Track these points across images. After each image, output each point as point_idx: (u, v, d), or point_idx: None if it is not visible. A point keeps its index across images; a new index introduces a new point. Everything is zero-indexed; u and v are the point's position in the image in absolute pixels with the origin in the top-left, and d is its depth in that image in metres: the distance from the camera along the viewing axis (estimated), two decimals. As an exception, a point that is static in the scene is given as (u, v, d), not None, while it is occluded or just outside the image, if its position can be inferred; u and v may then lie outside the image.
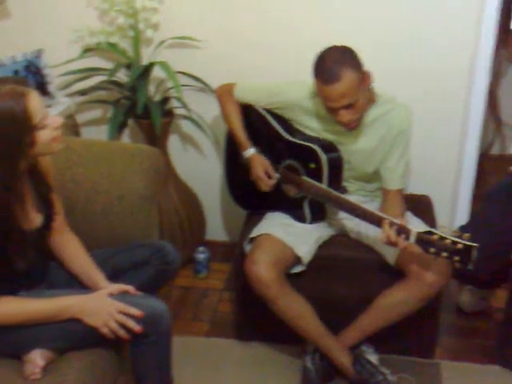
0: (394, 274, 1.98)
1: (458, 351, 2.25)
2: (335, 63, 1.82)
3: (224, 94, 2.25)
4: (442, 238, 1.67)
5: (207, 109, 2.61)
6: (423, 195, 2.44)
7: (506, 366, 2.16)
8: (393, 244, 1.79)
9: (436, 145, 2.55)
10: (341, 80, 1.81)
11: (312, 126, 2.09)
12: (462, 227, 2.04)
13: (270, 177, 2.14)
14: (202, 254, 2.68)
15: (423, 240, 1.71)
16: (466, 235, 1.65)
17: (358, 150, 2.06)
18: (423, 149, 2.46)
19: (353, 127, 1.96)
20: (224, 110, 2.25)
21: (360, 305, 2.02)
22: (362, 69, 1.87)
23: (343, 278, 2.11)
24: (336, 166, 2.04)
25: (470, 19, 2.35)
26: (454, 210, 2.64)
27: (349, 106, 1.87)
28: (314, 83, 1.90)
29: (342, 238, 2.18)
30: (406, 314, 1.97)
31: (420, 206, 2.31)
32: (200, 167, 2.80)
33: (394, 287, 1.97)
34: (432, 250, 1.69)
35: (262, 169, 2.13)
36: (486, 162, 3.37)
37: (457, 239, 1.65)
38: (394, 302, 1.97)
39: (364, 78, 1.88)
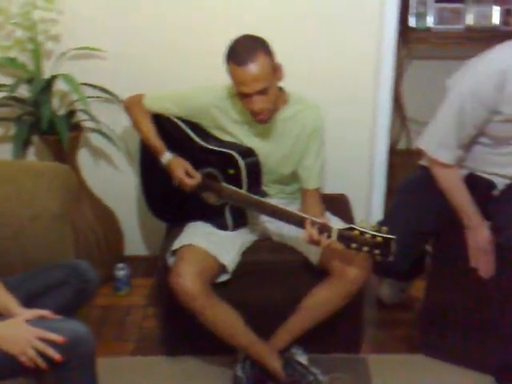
0: (319, 273, 2.02)
1: (383, 344, 2.32)
2: (249, 46, 1.83)
3: (133, 104, 2.20)
4: (362, 233, 1.72)
5: (117, 120, 2.55)
6: (340, 194, 2.51)
7: (428, 353, 2.25)
8: (316, 243, 1.82)
9: (348, 144, 2.63)
10: (255, 61, 1.81)
11: (229, 129, 2.08)
12: (380, 222, 2.11)
13: (192, 177, 2.10)
14: (121, 271, 2.61)
15: (345, 236, 1.76)
16: (384, 229, 1.71)
17: (274, 153, 2.07)
18: (336, 149, 2.52)
19: (265, 119, 1.95)
20: (134, 120, 2.20)
21: (288, 307, 2.04)
22: (275, 59, 1.89)
23: (269, 282, 2.11)
24: (254, 171, 2.05)
25: (372, 19, 2.44)
26: (370, 206, 2.73)
27: (262, 92, 1.85)
28: (228, 69, 1.87)
29: (265, 242, 2.19)
30: (332, 311, 2.01)
31: (337, 204, 2.37)
32: (114, 181, 2.73)
33: (318, 287, 2.01)
34: (353, 245, 1.73)
35: (182, 170, 2.09)
36: (394, 157, 3.50)
37: (376, 233, 1.70)
38: (320, 301, 2.00)
39: (276, 68, 1.89)
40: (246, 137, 2.08)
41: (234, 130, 2.08)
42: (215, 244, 2.03)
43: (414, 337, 2.31)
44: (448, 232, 2.10)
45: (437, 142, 1.96)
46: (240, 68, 1.82)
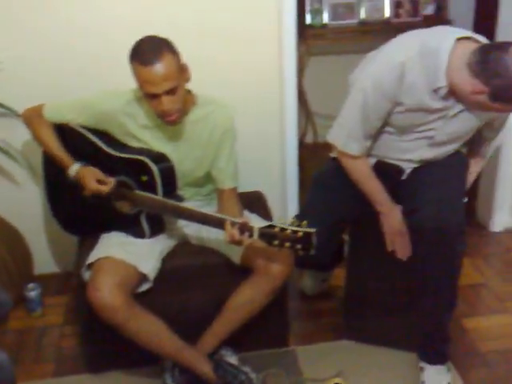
0: (242, 272, 2.02)
1: (310, 334, 2.36)
2: (154, 46, 1.80)
3: (32, 116, 2.10)
4: (283, 230, 1.73)
5: (15, 135, 2.43)
6: (255, 191, 2.52)
7: (353, 338, 2.32)
8: (238, 243, 1.82)
9: (259, 141, 2.66)
10: (161, 61, 1.78)
11: (138, 135, 2.03)
12: (297, 216, 2.14)
13: (105, 183, 2.02)
14: (33, 291, 2.48)
15: (266, 234, 1.77)
16: (304, 223, 1.73)
17: (186, 156, 2.05)
18: (248, 147, 2.53)
19: (175, 120, 1.91)
20: (36, 133, 2.10)
21: (214, 310, 2.03)
22: (181, 59, 1.87)
23: (192, 286, 2.09)
24: (168, 176, 2.01)
25: (272, 17, 2.47)
26: (285, 201, 2.77)
27: (170, 92, 1.82)
28: (133, 70, 1.82)
29: (184, 246, 2.16)
30: (258, 309, 2.02)
31: (254, 202, 2.38)
32: (16, 199, 2.60)
33: (241, 286, 2.01)
34: (275, 242, 1.75)
35: (93, 179, 2.01)
36: (303, 151, 3.58)
37: (296, 228, 1.72)
38: (245, 300, 2.00)
39: (183, 68, 1.87)
40: (155, 142, 2.04)
41: (142, 135, 2.03)
42: (133, 253, 1.98)
43: (339, 324, 2.37)
44: (363, 220, 2.17)
45: (345, 136, 2.01)
46: (146, 68, 1.78)
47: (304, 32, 3.57)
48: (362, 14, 3.65)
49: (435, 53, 1.80)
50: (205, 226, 1.94)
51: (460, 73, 1.76)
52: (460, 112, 1.90)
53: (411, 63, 1.81)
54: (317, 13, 3.62)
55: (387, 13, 3.66)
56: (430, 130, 1.96)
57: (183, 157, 2.05)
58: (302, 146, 3.80)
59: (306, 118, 3.86)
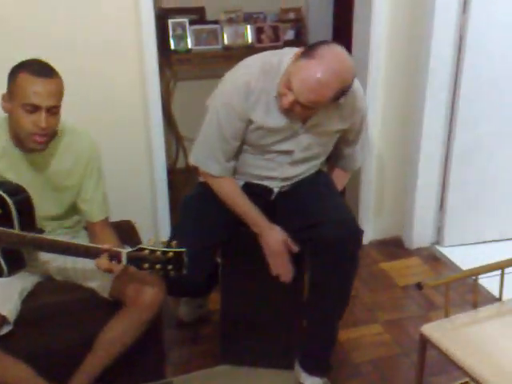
0: (113, 306, 1.97)
1: (188, 362, 2.35)
2: (47, 65, 1.85)
3: None
4: (153, 251, 1.72)
5: None
6: (124, 220, 2.48)
7: (230, 362, 2.33)
8: (107, 271, 1.78)
9: (126, 170, 2.63)
10: (54, 78, 1.83)
11: None
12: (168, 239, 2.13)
13: None
14: None
15: (135, 258, 1.74)
16: (174, 243, 1.73)
17: (47, 187, 1.98)
18: (116, 176, 2.50)
19: (43, 142, 1.87)
20: None
21: (85, 348, 1.95)
22: None
23: (59, 325, 2.00)
24: (26, 208, 1.92)
25: (132, 44, 2.49)
26: (157, 229, 2.76)
27: (51, 111, 1.82)
28: (16, 81, 1.80)
29: (48, 283, 2.07)
30: (130, 342, 1.97)
31: (124, 231, 2.32)
32: None
33: (113, 320, 1.95)
34: (146, 265, 1.73)
35: None
36: (175, 176, 3.60)
37: (166, 249, 1.72)
38: (117, 334, 1.95)
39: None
40: (11, 172, 1.94)
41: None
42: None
43: (217, 349, 2.38)
44: (233, 243, 2.20)
45: (205, 157, 2.06)
46: (38, 78, 1.79)
47: (169, 57, 3.60)
48: (226, 40, 3.75)
49: (277, 67, 1.92)
50: (70, 259, 1.89)
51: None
52: (308, 128, 2.01)
53: (254, 81, 1.92)
54: (180, 38, 3.67)
55: (250, 38, 3.79)
56: (287, 148, 2.05)
57: (43, 188, 1.97)
58: (175, 171, 3.81)
59: (177, 143, 3.88)
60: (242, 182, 2.16)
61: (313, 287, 2.10)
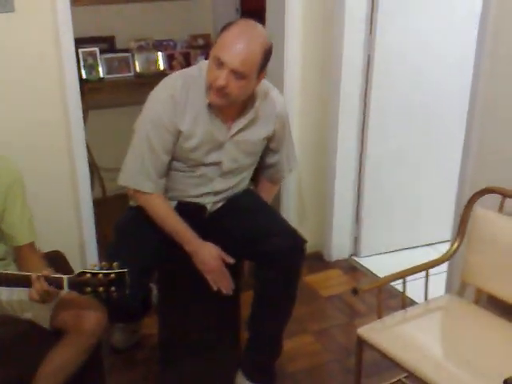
0: (54, 335, 1.96)
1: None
2: None
3: None
4: (95, 274, 1.76)
5: None
6: (54, 251, 2.49)
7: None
8: (47, 299, 1.79)
9: (51, 199, 2.65)
10: None
11: None
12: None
13: None
14: None
15: (77, 283, 1.76)
16: (116, 264, 1.77)
17: None
18: (40, 208, 2.50)
19: None
20: None
21: (25, 382, 1.92)
22: None
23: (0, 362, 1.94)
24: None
25: (52, 75, 2.55)
26: (84, 258, 2.78)
27: None
28: None
29: (-16, 317, 2.03)
30: (75, 370, 1.95)
31: (55, 262, 2.33)
32: None
33: (53, 350, 1.93)
34: (88, 289, 1.76)
35: None
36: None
37: (108, 271, 1.76)
38: (59, 364, 1.93)
39: None
40: None
41: None
42: None
43: (155, 372, 2.45)
44: (170, 265, 2.28)
45: (135, 174, 2.15)
46: None
47: (81, 87, 3.63)
48: (138, 67, 3.85)
49: (198, 76, 2.10)
50: (5, 291, 1.88)
51: None
52: (234, 136, 2.16)
53: (179, 94, 2.08)
54: (92, 67, 3.72)
55: (162, 65, 3.91)
56: (216, 159, 2.18)
57: None
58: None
59: (92, 172, 3.89)
60: (174, 203, 2.25)
61: (259, 299, 2.22)
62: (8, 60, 2.47)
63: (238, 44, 1.96)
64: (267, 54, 2.04)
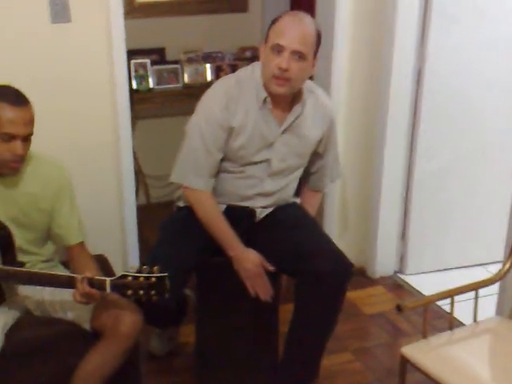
0: (94, 337, 1.99)
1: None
2: (20, 93, 1.92)
3: None
4: (136, 278, 1.79)
5: None
6: (97, 254, 2.51)
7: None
8: (90, 299, 1.83)
9: (96, 204, 2.67)
10: (28, 106, 1.91)
11: None
12: (147, 260, 2.17)
13: None
14: None
15: (118, 285, 1.80)
16: (156, 268, 1.80)
17: (21, 214, 2.02)
18: (85, 210, 2.54)
19: (18, 167, 1.95)
20: None
21: (66, 381, 1.95)
22: None
23: (40, 360, 2.00)
24: (6, 243, 1.96)
25: (103, 85, 2.60)
26: (127, 263, 2.80)
27: (26, 138, 1.90)
28: None
29: (28, 318, 2.08)
30: (111, 372, 1.98)
31: (99, 265, 2.35)
32: None
33: (91, 351, 1.97)
34: (129, 292, 1.79)
35: None
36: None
37: (149, 274, 1.78)
38: (96, 366, 1.96)
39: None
40: None
41: None
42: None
43: (191, 381, 2.43)
44: (209, 272, 2.27)
45: (188, 172, 2.18)
46: (16, 108, 1.86)
47: (131, 97, 3.69)
48: (186, 79, 3.88)
49: (251, 74, 2.17)
50: (48, 292, 1.92)
51: None
52: (283, 134, 2.19)
53: (232, 90, 2.14)
54: (142, 78, 3.78)
55: (209, 76, 3.93)
56: (265, 157, 2.20)
57: (14, 212, 2.01)
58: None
59: (137, 180, 3.94)
60: (223, 206, 2.26)
61: (299, 316, 2.19)
62: (62, 68, 2.52)
63: (294, 27, 2.05)
64: (319, 38, 2.12)
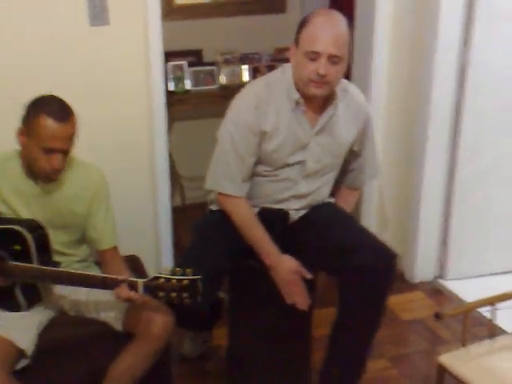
0: (126, 338, 2.00)
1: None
2: (64, 106, 1.94)
3: None
4: (168, 280, 1.79)
5: None
6: (131, 255, 2.53)
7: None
8: (126, 300, 1.84)
9: (130, 205, 2.69)
10: (71, 121, 1.93)
11: (9, 200, 2.00)
12: (180, 261, 2.18)
13: None
14: None
15: (151, 287, 1.81)
16: (189, 270, 1.79)
17: (59, 216, 2.05)
18: (119, 211, 2.55)
19: (56, 178, 1.99)
20: None
21: (99, 381, 1.98)
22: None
23: (73, 359, 2.03)
24: (43, 243, 1.99)
25: (140, 87, 2.62)
26: (160, 264, 2.81)
27: (66, 152, 1.93)
28: (38, 122, 1.87)
29: (62, 317, 2.11)
30: (142, 373, 2.00)
31: (132, 266, 2.38)
32: None
33: (123, 352, 1.99)
34: (161, 294, 1.79)
35: None
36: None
37: (181, 277, 1.78)
38: (127, 367, 1.98)
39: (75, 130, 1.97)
40: (22, 204, 2.02)
41: (10, 197, 2.01)
42: (8, 328, 1.91)
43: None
44: (241, 276, 2.25)
45: (221, 178, 2.16)
46: (58, 123, 1.88)
47: (168, 98, 3.70)
48: (222, 80, 3.88)
49: (281, 77, 2.14)
50: (83, 291, 1.94)
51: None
52: (317, 135, 2.15)
53: (262, 93, 2.11)
54: (179, 80, 3.79)
55: (246, 77, 3.92)
56: (300, 159, 2.17)
57: (52, 215, 2.04)
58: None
59: (173, 181, 3.95)
60: (257, 209, 2.24)
61: (344, 315, 2.15)
62: (100, 70, 2.56)
63: (326, 30, 1.99)
64: (350, 34, 2.08)
